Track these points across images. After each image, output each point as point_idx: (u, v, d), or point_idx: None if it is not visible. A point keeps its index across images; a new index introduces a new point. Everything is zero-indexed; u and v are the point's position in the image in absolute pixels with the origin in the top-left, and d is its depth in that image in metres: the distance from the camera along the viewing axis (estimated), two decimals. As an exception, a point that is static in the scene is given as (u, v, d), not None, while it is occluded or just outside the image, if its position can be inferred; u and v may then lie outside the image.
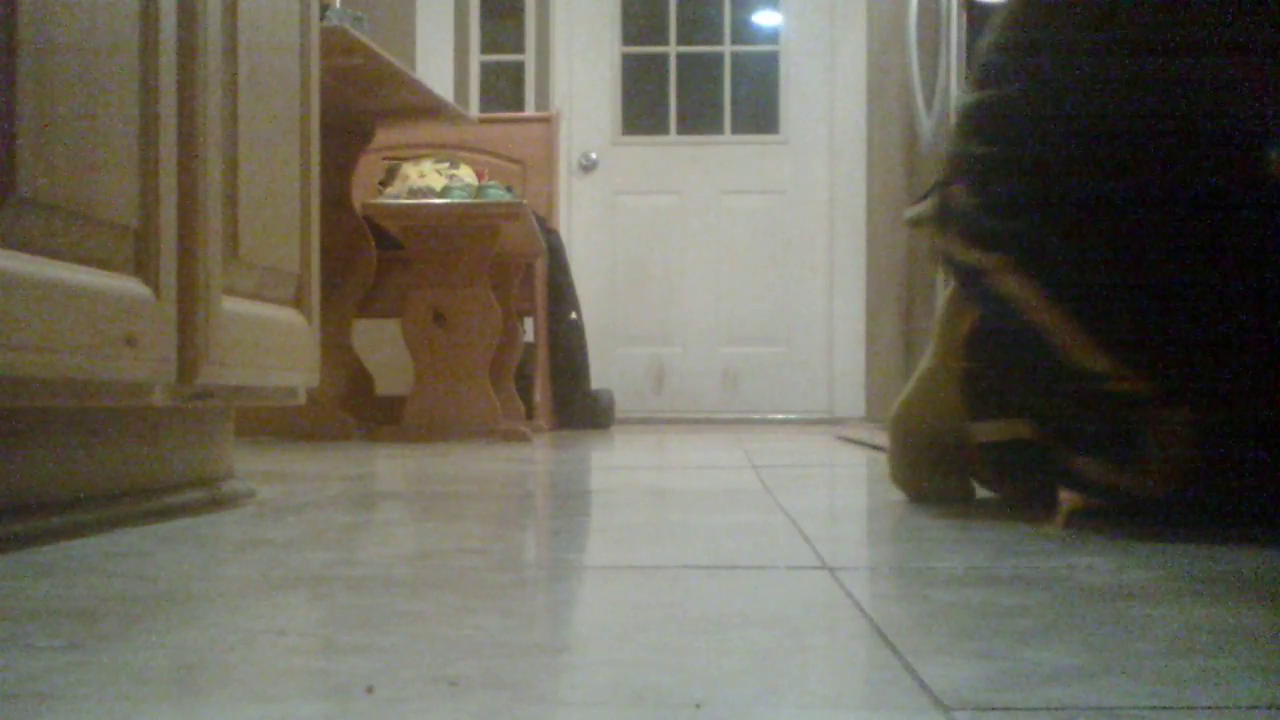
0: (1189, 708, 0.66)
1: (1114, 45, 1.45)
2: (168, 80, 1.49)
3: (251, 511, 1.70)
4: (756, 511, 1.71)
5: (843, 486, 2.26)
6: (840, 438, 4.20)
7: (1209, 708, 0.66)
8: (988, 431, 1.68)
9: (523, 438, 4.04)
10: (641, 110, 6.46)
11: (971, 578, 1.14)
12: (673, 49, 6.42)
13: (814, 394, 6.30)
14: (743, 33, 6.43)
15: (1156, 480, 1.43)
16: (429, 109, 4.38)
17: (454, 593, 1.03)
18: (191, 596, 1.02)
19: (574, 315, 5.34)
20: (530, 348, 5.12)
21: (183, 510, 1.62)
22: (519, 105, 6.33)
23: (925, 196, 1.68)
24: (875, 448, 3.41)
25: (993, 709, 0.65)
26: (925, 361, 1.83)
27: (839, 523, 1.70)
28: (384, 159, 4.70)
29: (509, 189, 4.40)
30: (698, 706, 0.66)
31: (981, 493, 1.88)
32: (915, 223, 1.71)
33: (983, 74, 1.57)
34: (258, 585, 1.07)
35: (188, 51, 1.54)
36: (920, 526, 1.60)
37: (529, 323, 5.21)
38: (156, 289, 1.46)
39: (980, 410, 1.70)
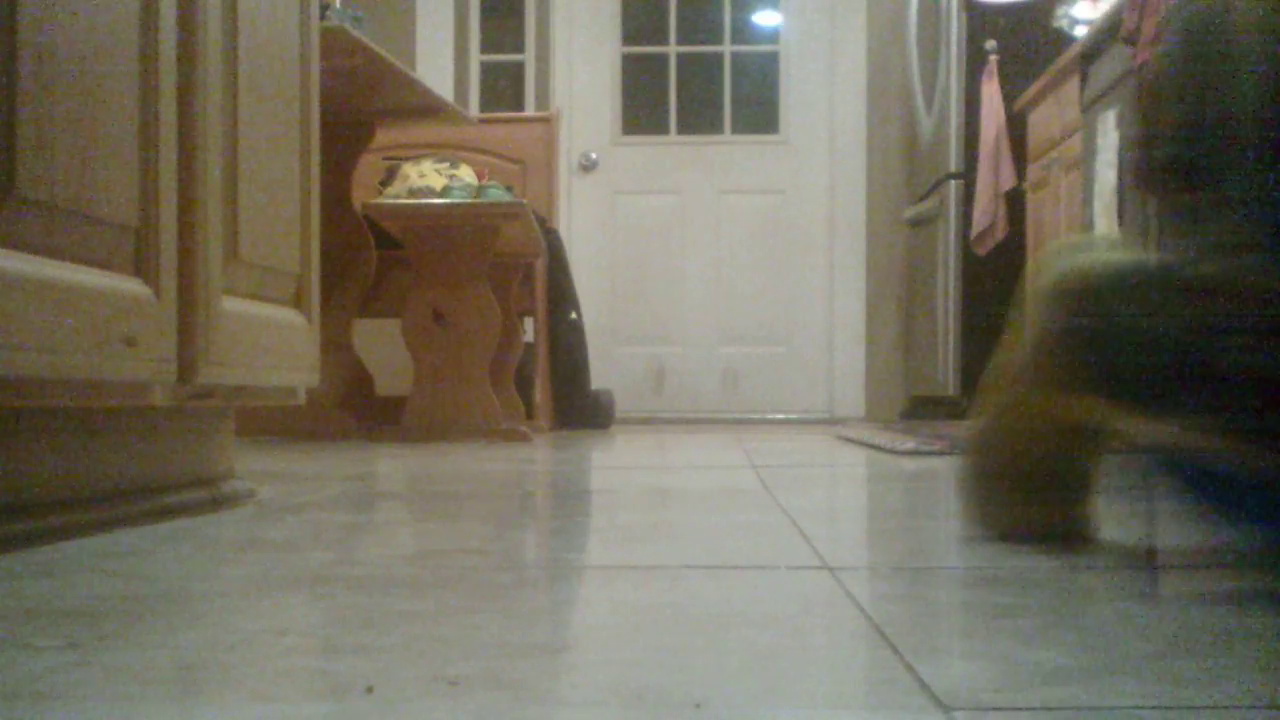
0: (1189, 707, 0.66)
1: None
2: (167, 80, 1.49)
3: (251, 511, 1.70)
4: (756, 511, 1.71)
5: (843, 486, 2.26)
6: (840, 437, 4.20)
7: (1209, 707, 0.66)
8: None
9: (523, 438, 4.04)
10: (641, 110, 6.45)
11: (971, 578, 1.14)
12: (673, 49, 6.42)
13: (814, 394, 6.29)
14: (743, 33, 6.43)
15: None
16: (429, 109, 4.38)
17: (454, 593, 1.03)
18: (191, 596, 1.02)
19: (574, 315, 5.34)
20: (530, 348, 5.12)
21: (183, 510, 1.62)
22: (519, 105, 6.33)
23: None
24: (875, 448, 3.41)
25: (993, 709, 0.65)
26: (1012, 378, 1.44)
27: (839, 523, 1.70)
28: (384, 159, 4.69)
29: (509, 189, 4.40)
30: (698, 706, 0.66)
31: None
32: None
33: None
34: (258, 585, 1.07)
35: (188, 52, 1.54)
36: (920, 527, 1.60)
37: (529, 323, 5.21)
38: (156, 289, 1.46)
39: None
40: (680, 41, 6.42)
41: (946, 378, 5.25)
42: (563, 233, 5.65)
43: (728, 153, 6.35)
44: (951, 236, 5.25)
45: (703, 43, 6.43)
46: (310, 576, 1.11)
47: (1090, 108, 4.21)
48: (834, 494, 2.10)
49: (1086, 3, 4.79)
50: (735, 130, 6.36)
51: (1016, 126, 5.09)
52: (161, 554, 1.28)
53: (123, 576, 1.12)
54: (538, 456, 3.22)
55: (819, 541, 1.37)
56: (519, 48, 6.41)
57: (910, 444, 3.23)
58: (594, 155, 6.35)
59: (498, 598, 1.02)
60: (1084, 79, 4.31)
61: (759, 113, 6.38)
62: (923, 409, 5.41)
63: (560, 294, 5.27)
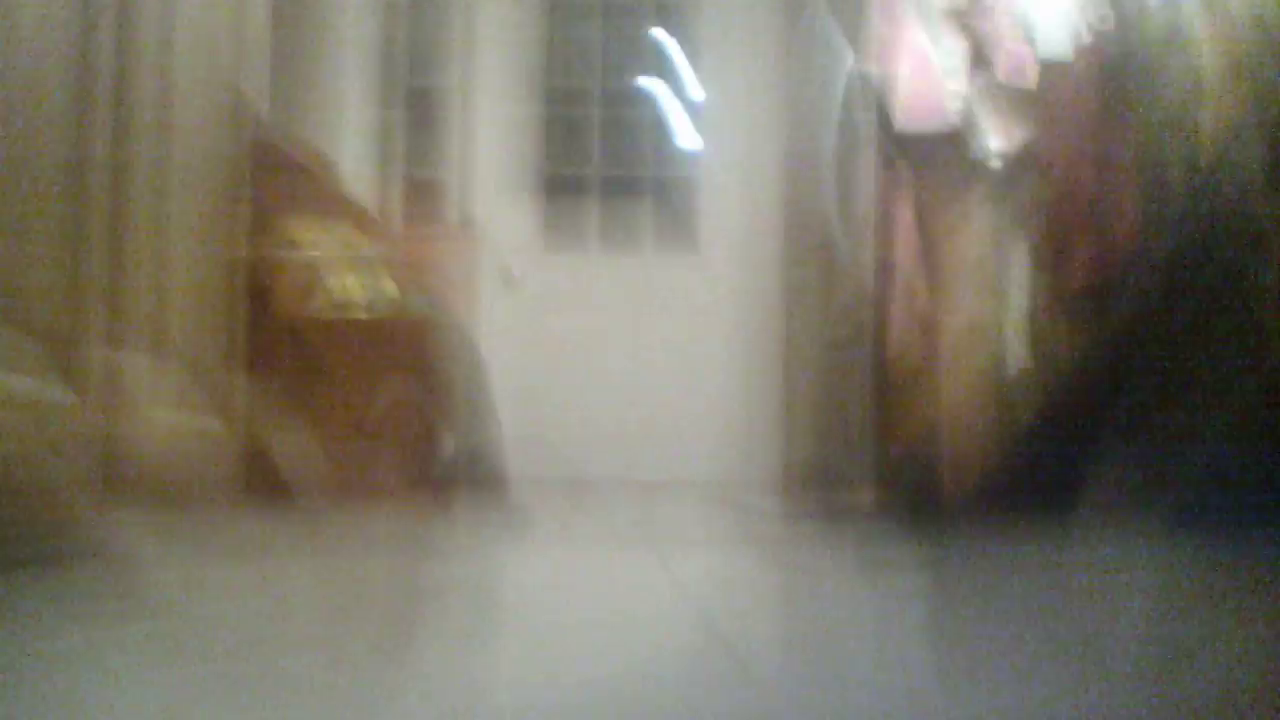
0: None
1: None
2: (99, 194, 1.50)
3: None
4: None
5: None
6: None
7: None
8: None
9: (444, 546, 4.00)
10: (564, 226, 6.52)
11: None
12: (595, 171, 6.50)
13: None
14: (665, 157, 6.54)
15: None
16: (352, 218, 4.39)
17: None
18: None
19: (492, 428, 5.32)
20: (449, 460, 5.08)
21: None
22: (440, 219, 6.36)
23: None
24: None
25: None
26: None
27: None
28: (307, 268, 4.68)
29: (430, 301, 4.41)
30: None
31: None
32: None
33: None
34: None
35: (120, 166, 1.56)
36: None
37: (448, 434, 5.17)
38: (81, 395, 1.45)
39: None
40: (604, 165, 6.51)
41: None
42: (483, 346, 5.64)
43: (647, 270, 6.41)
44: (868, 360, 5.31)
45: (625, 165, 6.53)
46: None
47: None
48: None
49: (999, 137, 4.91)
50: (657, 249, 6.44)
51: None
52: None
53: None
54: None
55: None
56: (442, 162, 6.46)
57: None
58: (515, 270, 6.39)
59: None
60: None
61: (679, 232, 6.47)
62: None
63: (478, 407, 5.26)
